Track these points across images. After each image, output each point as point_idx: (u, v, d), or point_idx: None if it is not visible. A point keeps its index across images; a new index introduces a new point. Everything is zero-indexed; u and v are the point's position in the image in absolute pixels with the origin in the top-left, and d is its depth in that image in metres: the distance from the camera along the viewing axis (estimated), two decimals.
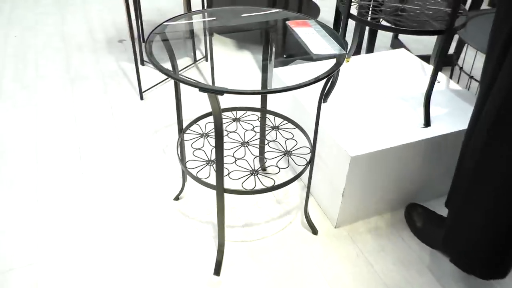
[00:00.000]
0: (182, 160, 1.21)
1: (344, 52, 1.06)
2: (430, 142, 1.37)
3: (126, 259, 1.33)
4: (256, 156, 1.27)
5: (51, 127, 1.88)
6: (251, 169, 1.20)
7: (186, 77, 2.04)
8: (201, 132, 1.27)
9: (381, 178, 1.39)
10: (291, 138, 1.42)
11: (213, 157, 1.11)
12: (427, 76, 1.68)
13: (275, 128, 1.41)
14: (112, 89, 2.16)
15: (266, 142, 1.31)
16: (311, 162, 1.26)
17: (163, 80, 2.20)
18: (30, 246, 1.34)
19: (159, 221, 1.46)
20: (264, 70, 1.39)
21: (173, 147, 1.68)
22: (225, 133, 1.33)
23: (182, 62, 2.37)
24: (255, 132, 1.40)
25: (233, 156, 1.23)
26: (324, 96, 1.50)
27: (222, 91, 0.89)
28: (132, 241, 1.38)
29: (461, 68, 1.93)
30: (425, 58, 1.80)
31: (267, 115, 1.42)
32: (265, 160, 1.51)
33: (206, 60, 2.41)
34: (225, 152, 1.27)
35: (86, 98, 2.09)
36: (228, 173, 1.22)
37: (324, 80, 1.10)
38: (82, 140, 1.81)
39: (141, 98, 2.04)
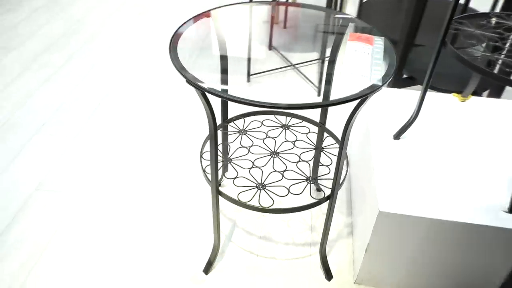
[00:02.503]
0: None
1: (379, 85, 0.85)
2: (501, 234, 1.02)
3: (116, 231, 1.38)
4: (275, 171, 1.14)
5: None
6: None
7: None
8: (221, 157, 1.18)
9: (420, 251, 1.11)
10: (327, 165, 1.23)
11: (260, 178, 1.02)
12: None
13: (320, 149, 1.24)
14: None
15: (297, 160, 1.17)
16: (329, 199, 1.08)
17: None
18: None
19: (190, 210, 1.46)
20: (328, 82, 1.23)
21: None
22: (263, 136, 1.23)
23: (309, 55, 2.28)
24: (294, 145, 1.25)
25: (253, 162, 1.14)
26: (399, 131, 1.25)
27: (206, 90, 0.81)
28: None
29: None
30: None
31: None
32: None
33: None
34: (260, 162, 1.18)
35: None
36: (235, 177, 1.12)
37: (355, 106, 0.91)
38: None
39: None
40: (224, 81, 1.03)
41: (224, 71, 1.06)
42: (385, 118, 1.32)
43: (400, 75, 1.80)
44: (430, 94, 1.45)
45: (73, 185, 1.51)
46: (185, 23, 1.02)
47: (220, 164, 1.18)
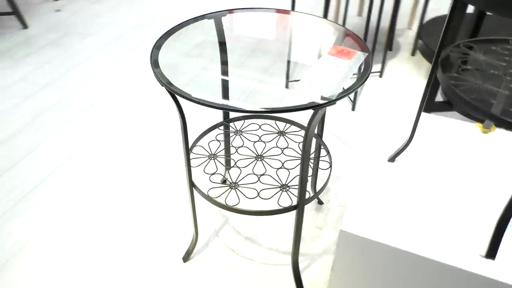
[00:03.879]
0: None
1: (332, 100, 0.83)
2: (471, 279, 0.94)
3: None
4: (251, 173, 1.16)
5: None
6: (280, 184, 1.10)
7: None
8: (208, 153, 1.23)
9: (382, 279, 1.05)
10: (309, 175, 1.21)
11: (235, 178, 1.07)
12: None
13: (316, 158, 1.24)
14: None
15: (279, 166, 1.18)
16: (296, 208, 1.07)
17: None
18: None
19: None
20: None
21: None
22: (256, 138, 1.26)
23: None
24: (282, 152, 1.25)
25: (235, 162, 1.17)
26: (393, 154, 1.20)
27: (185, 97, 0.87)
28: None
29: None
30: None
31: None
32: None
33: (380, 76, 2.19)
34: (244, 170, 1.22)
35: None
36: (213, 173, 1.17)
37: (309, 118, 0.91)
38: None
39: None
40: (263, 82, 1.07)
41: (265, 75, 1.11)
42: (398, 139, 1.27)
43: (433, 99, 1.70)
44: (453, 120, 1.36)
45: (97, 161, 1.67)
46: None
47: (203, 160, 1.23)
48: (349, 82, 0.90)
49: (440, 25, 2.41)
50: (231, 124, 1.33)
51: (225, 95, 1.03)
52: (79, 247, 1.34)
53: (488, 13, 1.65)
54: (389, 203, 1.07)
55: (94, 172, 1.61)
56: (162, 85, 0.88)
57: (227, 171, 1.48)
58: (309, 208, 1.47)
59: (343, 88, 0.87)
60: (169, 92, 0.90)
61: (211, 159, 1.20)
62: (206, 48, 1.15)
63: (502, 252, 0.96)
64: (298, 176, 1.22)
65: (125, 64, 2.30)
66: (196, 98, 0.83)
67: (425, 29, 2.36)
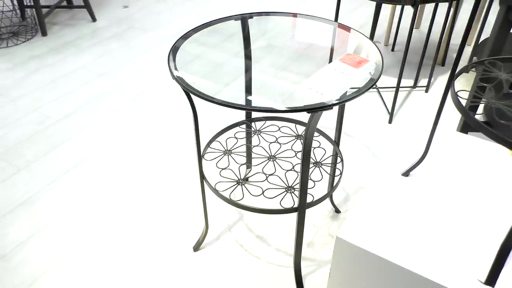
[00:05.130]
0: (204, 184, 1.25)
1: (328, 105, 0.84)
2: None
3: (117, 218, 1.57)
4: (259, 172, 1.19)
5: None
6: (286, 185, 1.13)
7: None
8: (224, 149, 1.28)
9: None
10: (319, 180, 1.21)
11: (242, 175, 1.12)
12: None
13: (317, 163, 1.24)
14: None
15: (291, 167, 1.20)
16: (297, 211, 1.08)
17: None
18: None
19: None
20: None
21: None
22: (273, 139, 1.30)
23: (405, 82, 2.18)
24: (296, 155, 1.27)
25: (267, 176, 1.21)
26: (408, 169, 1.17)
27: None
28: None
29: None
30: None
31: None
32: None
33: (426, 91, 2.12)
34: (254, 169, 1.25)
35: None
36: (224, 168, 1.22)
37: (308, 123, 0.92)
38: None
39: None
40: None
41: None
42: (418, 155, 1.24)
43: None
44: (484, 141, 1.29)
45: (132, 148, 1.78)
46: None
47: (217, 154, 1.27)
48: (350, 89, 0.90)
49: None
50: (252, 123, 1.37)
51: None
52: (94, 230, 1.45)
53: None
54: (393, 216, 1.05)
55: (127, 158, 1.73)
56: (182, 88, 0.94)
57: (247, 169, 1.52)
58: (324, 216, 1.47)
59: (341, 94, 0.87)
60: (185, 92, 0.95)
61: (225, 155, 1.25)
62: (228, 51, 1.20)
63: (502, 281, 0.91)
64: (300, 179, 1.23)
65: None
66: (202, 93, 0.88)
67: (481, 46, 2.24)
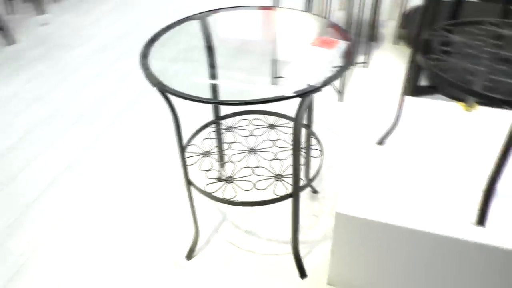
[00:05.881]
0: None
1: (318, 87, 0.87)
2: (465, 246, 0.98)
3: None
4: (246, 166, 1.20)
5: None
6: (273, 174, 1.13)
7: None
8: (202, 151, 1.26)
9: (381, 256, 1.09)
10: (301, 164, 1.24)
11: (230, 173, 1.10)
12: None
13: (307, 147, 1.27)
14: None
15: (272, 157, 1.21)
16: (292, 196, 1.11)
17: None
18: None
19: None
20: None
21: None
22: (247, 134, 1.30)
23: None
24: (274, 144, 1.29)
25: (229, 158, 1.20)
26: (381, 137, 1.24)
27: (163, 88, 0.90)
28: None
29: None
30: None
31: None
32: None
33: (366, 66, 2.24)
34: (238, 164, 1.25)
35: None
36: (208, 170, 1.20)
37: (298, 107, 0.94)
38: None
39: None
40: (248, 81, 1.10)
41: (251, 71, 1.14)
42: (385, 123, 1.31)
43: (415, 83, 1.74)
44: (436, 101, 1.40)
45: (94, 170, 1.69)
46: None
47: (197, 158, 1.26)
48: (333, 70, 0.93)
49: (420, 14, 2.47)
50: (223, 121, 1.37)
51: (214, 96, 1.06)
52: (84, 253, 1.36)
53: None
54: (381, 183, 1.11)
55: (93, 180, 1.64)
56: (154, 86, 0.91)
57: (222, 168, 1.52)
58: (304, 198, 1.50)
59: (327, 76, 0.90)
60: (161, 91, 0.93)
61: (205, 157, 1.23)
62: (192, 51, 1.19)
63: (491, 219, 1.00)
64: (292, 165, 1.26)
65: (113, 73, 2.33)
66: (189, 95, 0.87)
67: (406, 18, 2.42)
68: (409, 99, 1.41)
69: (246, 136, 1.30)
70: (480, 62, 1.02)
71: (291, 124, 1.36)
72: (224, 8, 1.18)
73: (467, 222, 1.01)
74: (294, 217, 1.16)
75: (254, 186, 1.12)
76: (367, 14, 2.67)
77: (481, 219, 1.00)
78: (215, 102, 0.86)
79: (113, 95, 2.14)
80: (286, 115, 1.35)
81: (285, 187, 1.13)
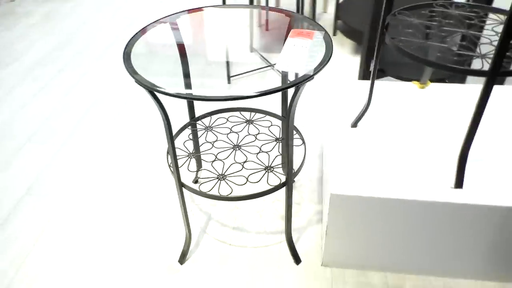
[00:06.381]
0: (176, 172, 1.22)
1: (311, 75, 0.92)
2: (447, 208, 1.08)
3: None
4: (235, 162, 1.22)
5: None
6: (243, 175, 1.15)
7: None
8: (187, 152, 1.27)
9: (377, 230, 1.17)
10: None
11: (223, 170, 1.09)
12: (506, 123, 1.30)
13: (280, 140, 1.32)
14: None
15: (258, 151, 1.24)
16: (285, 185, 1.15)
17: None
18: None
19: (166, 203, 1.54)
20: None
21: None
22: (227, 131, 1.32)
23: None
24: (256, 138, 1.33)
25: (215, 156, 1.21)
26: (355, 120, 1.32)
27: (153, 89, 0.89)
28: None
29: None
30: None
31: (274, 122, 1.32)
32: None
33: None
34: (223, 154, 1.26)
35: None
36: (198, 170, 1.20)
37: (292, 95, 0.98)
38: None
39: None
40: (204, 84, 1.10)
41: (203, 74, 1.13)
42: (351, 108, 1.39)
43: (368, 68, 1.86)
44: (393, 83, 1.51)
45: (59, 189, 1.60)
46: (145, 27, 1.11)
47: (185, 160, 1.26)
48: (318, 58, 0.98)
49: (355, 4, 2.62)
50: (199, 122, 1.37)
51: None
52: (72, 269, 1.30)
53: None
54: (364, 162, 1.19)
55: (57, 203, 1.55)
56: (147, 89, 0.90)
57: (199, 171, 1.51)
58: (282, 189, 1.55)
59: (315, 64, 0.95)
60: (149, 91, 0.92)
61: (191, 158, 1.23)
62: (158, 57, 1.17)
63: (467, 182, 1.11)
64: (280, 156, 1.30)
65: (57, 87, 2.21)
66: (191, 95, 0.87)
67: (342, 9, 2.55)
68: (365, 83, 1.50)
69: (227, 134, 1.32)
70: (439, 39, 1.13)
71: (267, 117, 1.40)
72: (158, 21, 1.19)
73: (447, 186, 1.11)
74: (288, 205, 1.20)
75: (247, 180, 1.15)
76: (306, 9, 2.78)
77: (459, 183, 1.10)
78: (219, 99, 0.87)
79: (63, 110, 2.03)
80: (261, 110, 1.38)
81: (278, 178, 1.17)
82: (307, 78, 0.91)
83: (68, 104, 2.08)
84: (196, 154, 1.31)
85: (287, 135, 1.04)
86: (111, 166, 1.69)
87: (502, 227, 1.10)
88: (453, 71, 0.96)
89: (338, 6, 2.52)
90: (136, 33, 1.10)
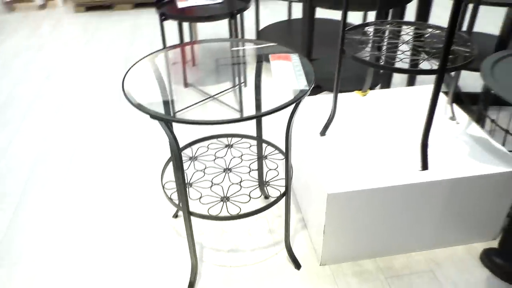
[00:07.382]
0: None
1: (307, 90, 1.05)
2: (420, 187, 1.28)
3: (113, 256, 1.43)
4: (232, 184, 1.30)
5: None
6: (222, 196, 1.23)
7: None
8: (191, 155, 1.32)
9: (367, 220, 1.32)
10: (275, 169, 1.41)
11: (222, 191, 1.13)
12: (446, 115, 1.57)
13: (263, 157, 1.42)
14: None
15: (248, 170, 1.33)
16: (285, 195, 1.25)
17: None
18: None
19: (154, 237, 1.54)
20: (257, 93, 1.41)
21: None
22: (212, 158, 1.38)
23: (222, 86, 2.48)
24: (241, 159, 1.42)
25: (211, 181, 1.27)
26: (323, 129, 1.48)
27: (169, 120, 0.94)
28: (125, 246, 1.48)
29: (485, 109, 1.76)
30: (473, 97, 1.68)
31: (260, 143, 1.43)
32: (266, 190, 1.52)
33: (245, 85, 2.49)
34: (207, 177, 1.32)
35: None
36: (200, 197, 1.25)
37: (291, 110, 1.10)
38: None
39: None
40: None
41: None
42: (307, 121, 1.55)
43: None
44: (342, 94, 1.72)
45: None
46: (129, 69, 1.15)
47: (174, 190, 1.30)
48: (304, 75, 1.13)
49: (275, 29, 2.86)
50: (183, 153, 1.42)
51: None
52: None
53: None
54: (344, 162, 1.35)
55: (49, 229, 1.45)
56: (162, 120, 0.95)
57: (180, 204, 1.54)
58: (259, 206, 1.64)
59: (305, 80, 1.09)
60: (164, 121, 0.97)
61: (189, 187, 1.28)
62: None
63: (431, 164, 1.33)
64: (273, 171, 1.39)
65: None
66: (203, 120, 0.94)
67: (263, 35, 2.78)
68: (315, 97, 1.69)
69: (214, 159, 1.38)
70: (389, 50, 1.36)
71: (245, 140, 1.50)
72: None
73: (416, 170, 1.31)
74: (287, 214, 1.30)
75: (250, 198, 1.23)
76: None
77: (424, 165, 1.32)
78: (233, 121, 0.96)
79: (6, 172, 1.89)
80: (237, 134, 1.47)
81: (278, 190, 1.26)
82: (306, 92, 1.04)
83: (9, 165, 1.94)
84: (193, 183, 1.34)
85: (287, 149, 1.15)
86: (91, 204, 1.63)
87: (464, 195, 1.33)
88: (412, 73, 1.18)
89: (258, 32, 2.74)
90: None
